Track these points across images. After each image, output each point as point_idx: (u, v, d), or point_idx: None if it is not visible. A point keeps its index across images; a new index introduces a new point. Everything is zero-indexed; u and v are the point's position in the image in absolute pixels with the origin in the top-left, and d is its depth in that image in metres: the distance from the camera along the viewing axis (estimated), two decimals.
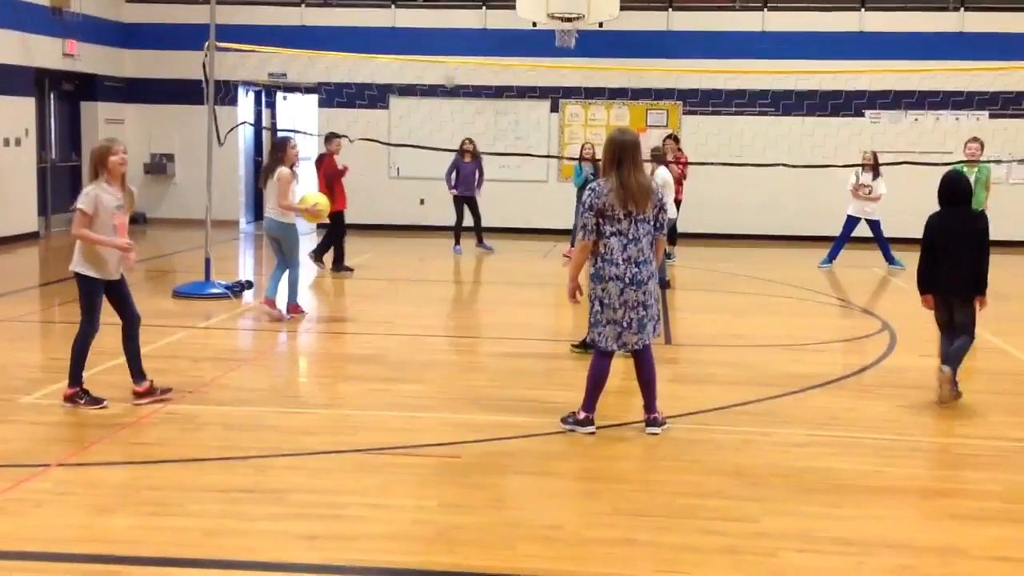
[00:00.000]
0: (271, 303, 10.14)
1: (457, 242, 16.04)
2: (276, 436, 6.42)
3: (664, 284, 12.37)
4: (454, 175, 16.02)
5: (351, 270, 13.48)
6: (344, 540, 4.80)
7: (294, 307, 10.24)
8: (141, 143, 19.73)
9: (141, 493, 5.37)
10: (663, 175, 11.86)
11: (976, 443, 6.57)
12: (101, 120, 18.99)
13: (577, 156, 15.56)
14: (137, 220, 19.57)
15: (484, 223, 16.28)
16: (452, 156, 16.03)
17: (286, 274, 10.20)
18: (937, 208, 7.57)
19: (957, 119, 18.00)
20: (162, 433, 6.41)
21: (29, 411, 6.82)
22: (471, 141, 16.10)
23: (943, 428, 6.96)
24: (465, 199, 16.05)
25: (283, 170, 9.93)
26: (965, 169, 12.78)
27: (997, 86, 17.34)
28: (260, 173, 10.04)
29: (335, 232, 13.54)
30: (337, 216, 13.13)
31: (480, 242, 16.26)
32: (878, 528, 5.07)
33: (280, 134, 15.58)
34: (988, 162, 12.81)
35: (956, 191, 7.54)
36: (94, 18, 18.34)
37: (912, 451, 6.36)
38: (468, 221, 16.11)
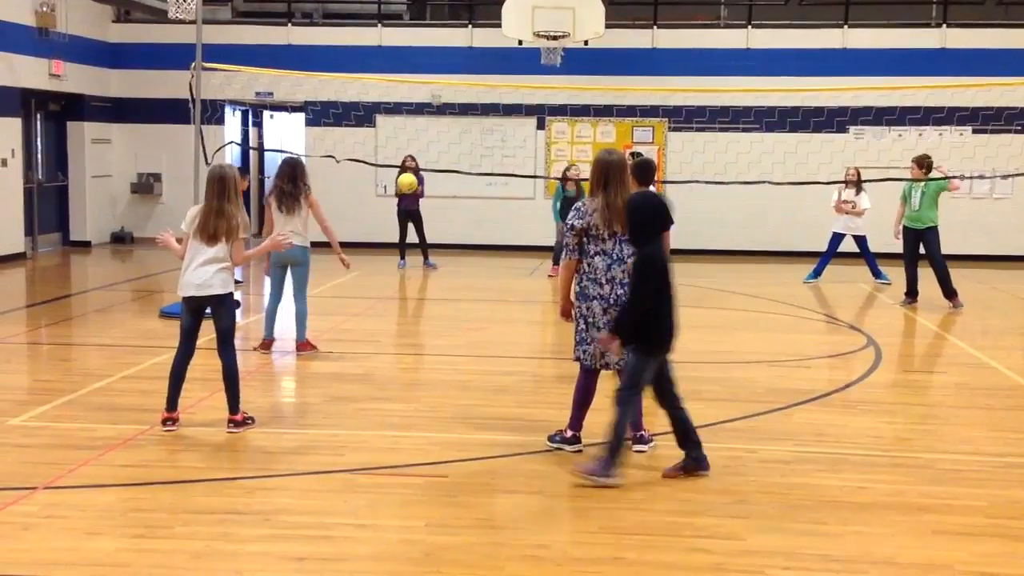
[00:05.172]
0: (271, 343, 9.61)
1: (402, 257, 16.29)
2: (264, 457, 6.43)
3: None
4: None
5: None
6: (332, 561, 4.81)
7: (304, 344, 9.57)
8: (128, 163, 19.75)
9: (128, 515, 5.37)
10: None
11: (960, 458, 6.61)
12: (88, 140, 19.00)
13: (560, 177, 15.61)
14: (123, 239, 19.59)
15: (472, 240, 16.37)
16: (441, 175, 16.11)
17: (282, 307, 9.58)
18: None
19: (940, 135, 18.14)
20: (149, 455, 6.41)
21: (15, 433, 6.82)
22: (413, 158, 16.24)
23: (927, 444, 7.00)
24: (409, 213, 16.17)
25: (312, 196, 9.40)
26: (914, 186, 12.96)
27: (978, 102, 17.53)
28: (278, 196, 9.30)
29: None
30: None
31: (426, 260, 16.37)
32: (863, 544, 5.11)
33: (268, 154, 15.62)
34: (932, 180, 13.01)
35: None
36: (80, 38, 18.36)
37: (896, 467, 6.40)
38: (412, 237, 16.28)
